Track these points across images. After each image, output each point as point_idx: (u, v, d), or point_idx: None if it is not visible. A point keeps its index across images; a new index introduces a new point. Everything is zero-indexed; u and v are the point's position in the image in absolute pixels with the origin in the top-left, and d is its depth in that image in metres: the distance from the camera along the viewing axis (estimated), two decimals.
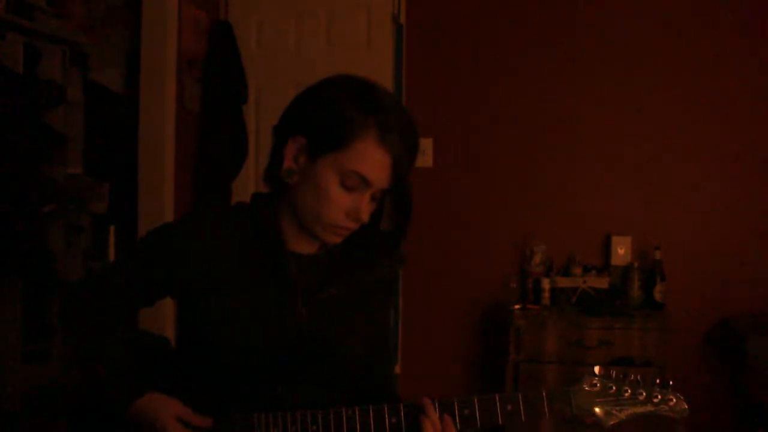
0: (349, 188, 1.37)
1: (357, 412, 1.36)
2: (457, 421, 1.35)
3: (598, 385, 1.33)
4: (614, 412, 1.32)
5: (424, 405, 1.35)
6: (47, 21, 3.20)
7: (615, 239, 3.46)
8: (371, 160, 1.35)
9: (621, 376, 1.33)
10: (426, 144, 3.61)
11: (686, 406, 1.31)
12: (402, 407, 1.36)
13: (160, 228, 1.53)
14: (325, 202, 1.37)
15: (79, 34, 3.41)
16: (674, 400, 1.31)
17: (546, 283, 3.37)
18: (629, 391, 1.32)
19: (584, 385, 1.33)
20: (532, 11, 3.57)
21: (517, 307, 3.30)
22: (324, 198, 1.37)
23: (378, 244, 1.53)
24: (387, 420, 1.35)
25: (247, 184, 3.68)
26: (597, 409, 1.32)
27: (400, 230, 1.52)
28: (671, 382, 1.32)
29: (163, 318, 2.99)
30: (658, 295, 3.28)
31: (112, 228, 3.57)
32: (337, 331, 1.48)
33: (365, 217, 1.40)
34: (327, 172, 1.36)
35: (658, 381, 1.32)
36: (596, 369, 1.33)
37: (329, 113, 1.36)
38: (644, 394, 1.31)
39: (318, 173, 1.37)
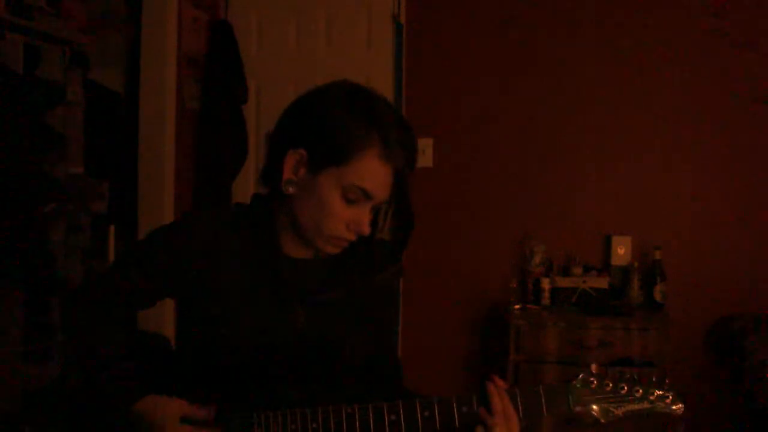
0: (350, 201, 1.37)
1: (356, 410, 1.37)
2: (456, 417, 1.36)
3: (595, 382, 1.34)
4: (611, 409, 1.32)
5: (491, 382, 1.36)
6: (47, 21, 3.19)
7: (615, 239, 3.46)
8: (374, 174, 1.35)
9: (617, 373, 1.34)
10: (426, 144, 3.61)
11: (682, 404, 1.31)
12: (401, 405, 1.36)
13: (159, 230, 1.53)
14: (326, 215, 1.38)
15: (79, 34, 3.40)
16: (670, 397, 1.31)
17: (546, 283, 3.37)
18: (626, 388, 1.33)
19: (581, 383, 1.34)
20: (533, 11, 3.57)
21: (517, 307, 3.30)
22: (325, 211, 1.38)
23: (376, 253, 1.53)
24: (386, 418, 1.36)
25: (247, 184, 3.69)
26: (594, 407, 1.33)
27: (401, 241, 1.52)
28: (667, 380, 1.32)
29: (163, 318, 2.99)
30: (658, 295, 3.28)
31: (112, 228, 3.57)
32: (335, 333, 1.48)
33: (366, 229, 1.40)
34: (328, 185, 1.36)
35: (654, 379, 1.32)
36: (593, 367, 1.33)
37: (331, 128, 1.36)
38: (641, 391, 1.32)
39: (319, 186, 1.37)
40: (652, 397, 1.31)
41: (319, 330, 1.46)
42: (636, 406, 1.32)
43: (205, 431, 1.40)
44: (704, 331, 3.41)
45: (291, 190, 1.40)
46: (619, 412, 1.32)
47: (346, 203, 1.37)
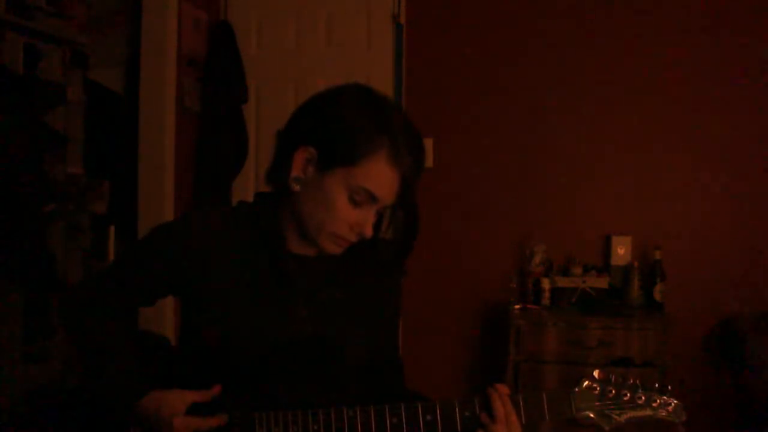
0: (356, 203, 1.38)
1: (358, 412, 1.37)
2: (458, 422, 1.36)
3: (598, 388, 1.34)
4: (613, 415, 1.33)
5: (493, 389, 1.36)
6: (47, 21, 3.19)
7: (615, 239, 3.45)
8: (381, 178, 1.36)
9: (620, 379, 1.34)
10: (426, 144, 3.58)
11: (684, 411, 1.31)
12: (403, 407, 1.36)
13: (161, 227, 1.53)
14: (331, 215, 1.39)
15: (79, 34, 3.40)
16: (673, 404, 1.31)
17: (546, 283, 3.37)
18: (628, 394, 1.32)
19: (584, 388, 1.34)
20: (533, 11, 3.57)
21: (517, 307, 3.31)
22: (330, 211, 1.38)
23: (380, 253, 1.54)
24: (388, 420, 1.36)
25: (247, 184, 3.69)
26: (596, 413, 1.33)
27: (405, 244, 1.52)
28: (669, 387, 1.32)
29: (163, 318, 2.99)
30: (658, 295, 3.28)
31: (112, 228, 3.57)
32: (337, 332, 1.48)
33: (369, 232, 1.41)
34: (336, 186, 1.37)
35: (657, 385, 1.32)
36: (595, 373, 1.33)
37: (343, 128, 1.36)
38: (643, 398, 1.32)
39: (326, 186, 1.38)
40: (654, 404, 1.31)
41: (322, 328, 1.46)
42: (638, 413, 1.32)
43: (210, 420, 1.40)
44: (704, 331, 3.41)
45: (297, 187, 1.40)
46: (621, 418, 1.32)
47: (352, 205, 1.38)
